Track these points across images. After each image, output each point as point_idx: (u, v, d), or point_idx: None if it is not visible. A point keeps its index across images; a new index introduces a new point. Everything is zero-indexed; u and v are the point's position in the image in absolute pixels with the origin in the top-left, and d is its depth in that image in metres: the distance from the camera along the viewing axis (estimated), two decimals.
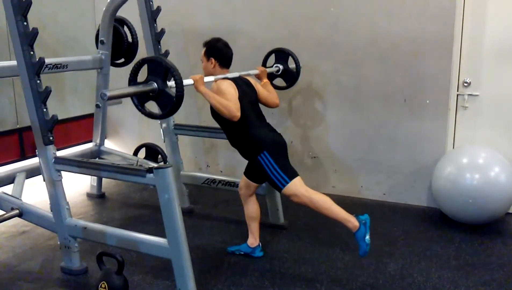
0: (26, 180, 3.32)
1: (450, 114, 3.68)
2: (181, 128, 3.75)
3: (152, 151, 4.07)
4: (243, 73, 2.90)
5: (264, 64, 3.46)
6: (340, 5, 3.84)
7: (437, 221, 3.54)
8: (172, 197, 2.40)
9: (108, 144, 4.77)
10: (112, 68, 3.85)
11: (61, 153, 3.12)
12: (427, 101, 3.68)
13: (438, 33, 3.55)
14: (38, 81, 2.67)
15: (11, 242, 3.28)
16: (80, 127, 4.54)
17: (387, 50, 3.74)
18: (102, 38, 3.70)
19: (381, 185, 3.95)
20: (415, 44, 3.64)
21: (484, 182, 3.20)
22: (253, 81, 2.93)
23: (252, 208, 2.97)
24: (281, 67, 3.41)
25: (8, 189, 3.17)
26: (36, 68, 2.65)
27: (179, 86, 2.23)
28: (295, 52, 3.44)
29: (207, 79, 2.67)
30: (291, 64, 3.42)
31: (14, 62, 2.73)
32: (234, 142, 2.83)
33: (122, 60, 3.88)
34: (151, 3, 3.59)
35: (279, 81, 3.47)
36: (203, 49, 2.84)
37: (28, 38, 2.62)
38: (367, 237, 2.57)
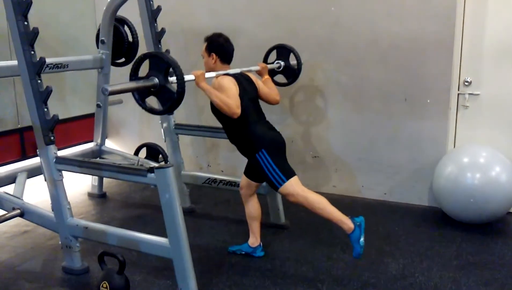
0: (27, 180, 3.32)
1: (451, 114, 3.68)
2: (182, 128, 3.75)
3: (153, 151, 4.07)
4: (244, 69, 2.90)
5: (265, 60, 3.44)
6: (340, 4, 3.83)
7: (438, 220, 3.54)
8: (173, 196, 2.40)
9: (109, 143, 4.77)
10: (112, 67, 3.85)
11: (62, 153, 3.12)
12: (428, 101, 3.68)
13: (438, 32, 3.55)
14: (39, 81, 2.67)
15: (13, 241, 3.28)
16: (81, 126, 4.54)
17: (388, 50, 3.73)
18: (102, 38, 3.70)
19: (382, 185, 3.95)
20: (415, 43, 3.63)
21: (485, 182, 3.20)
22: (253, 77, 2.92)
23: (253, 208, 2.97)
24: (282, 63, 3.40)
25: (10, 189, 3.17)
26: (36, 67, 2.65)
27: (180, 81, 2.23)
28: None
29: (208, 75, 2.67)
30: (293, 61, 3.41)
31: (14, 62, 2.73)
32: (233, 138, 2.83)
33: (123, 59, 3.88)
34: (151, 2, 3.59)
35: (280, 78, 3.46)
36: (204, 44, 2.83)
37: (28, 37, 2.62)
38: (362, 239, 2.58)
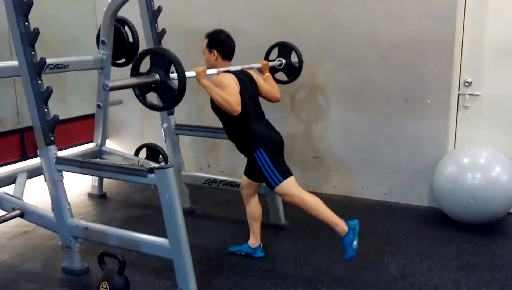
0: (28, 180, 3.32)
1: (451, 114, 3.68)
2: (182, 128, 3.75)
3: (153, 151, 4.07)
4: (245, 66, 2.88)
5: (266, 57, 3.43)
6: (340, 4, 3.83)
7: (438, 221, 3.53)
8: (173, 197, 2.40)
9: (109, 144, 4.77)
10: (113, 68, 3.86)
11: (62, 153, 3.12)
12: (428, 101, 3.68)
13: (439, 32, 3.55)
14: (40, 81, 2.67)
15: (13, 242, 3.28)
16: (81, 127, 4.54)
17: (388, 50, 3.73)
18: (103, 38, 3.70)
19: (382, 185, 3.95)
20: (416, 43, 3.63)
21: (485, 182, 3.19)
22: (254, 74, 2.91)
23: (254, 208, 2.97)
24: (283, 61, 3.39)
25: (10, 189, 3.17)
26: (37, 68, 2.65)
27: (181, 78, 2.22)
28: None
29: (209, 71, 2.65)
30: (294, 58, 3.40)
31: (15, 62, 2.73)
32: (231, 136, 2.83)
33: (123, 60, 3.88)
34: (152, 3, 3.59)
35: (281, 75, 3.46)
36: (205, 41, 2.82)
37: (29, 38, 2.62)
38: (355, 242, 2.59)
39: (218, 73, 2.72)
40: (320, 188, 4.16)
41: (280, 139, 2.81)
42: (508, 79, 3.54)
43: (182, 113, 4.38)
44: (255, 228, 2.99)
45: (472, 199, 3.20)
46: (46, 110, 2.69)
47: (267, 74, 3.06)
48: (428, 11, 3.57)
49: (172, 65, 2.23)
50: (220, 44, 2.78)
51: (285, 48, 3.40)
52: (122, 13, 3.66)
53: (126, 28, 3.80)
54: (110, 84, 2.13)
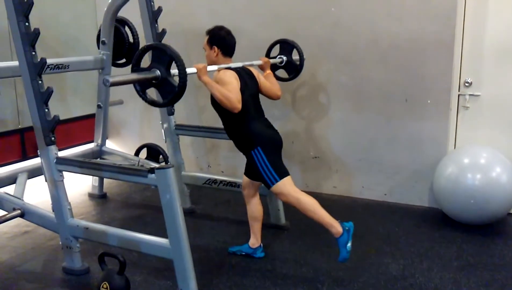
0: (28, 181, 3.32)
1: (451, 114, 3.68)
2: (182, 129, 3.75)
3: (154, 152, 4.07)
4: (246, 63, 2.88)
5: (267, 54, 3.43)
6: (340, 5, 3.84)
7: (439, 221, 3.53)
8: (174, 197, 2.40)
9: (110, 144, 4.77)
10: (113, 68, 3.85)
11: (62, 154, 3.13)
12: (428, 101, 3.68)
13: (439, 33, 3.55)
14: (40, 82, 2.67)
15: (13, 242, 3.28)
16: (81, 127, 4.54)
17: (388, 50, 3.74)
18: (103, 39, 3.70)
19: (382, 185, 3.95)
20: (416, 44, 3.63)
21: (485, 183, 3.19)
22: (255, 72, 2.90)
23: (255, 209, 2.97)
24: (284, 58, 3.39)
25: (10, 189, 3.17)
26: (38, 68, 2.65)
27: (182, 74, 2.22)
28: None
29: (210, 68, 2.65)
30: (295, 56, 3.40)
31: (16, 63, 2.73)
32: (230, 133, 2.83)
33: (124, 60, 3.88)
34: (152, 3, 3.59)
35: (282, 73, 3.45)
36: (206, 37, 2.81)
37: (30, 38, 2.62)
38: (349, 244, 2.60)
39: (219, 70, 2.71)
40: (320, 188, 4.16)
41: (278, 138, 2.81)
42: (508, 80, 3.54)
43: (182, 113, 4.38)
44: (255, 229, 2.99)
45: (472, 200, 3.20)
46: (46, 110, 2.69)
47: (268, 71, 3.06)
48: (428, 11, 3.57)
49: (173, 61, 2.23)
50: (221, 40, 2.78)
51: (286, 46, 3.40)
52: (122, 13, 3.66)
53: (127, 28, 3.80)
54: (111, 80, 2.12)
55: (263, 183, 2.76)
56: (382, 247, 3.12)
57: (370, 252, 3.04)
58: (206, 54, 2.83)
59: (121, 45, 3.78)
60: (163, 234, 2.50)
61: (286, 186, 2.69)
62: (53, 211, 2.82)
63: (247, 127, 2.73)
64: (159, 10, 3.60)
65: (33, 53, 2.65)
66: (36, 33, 2.62)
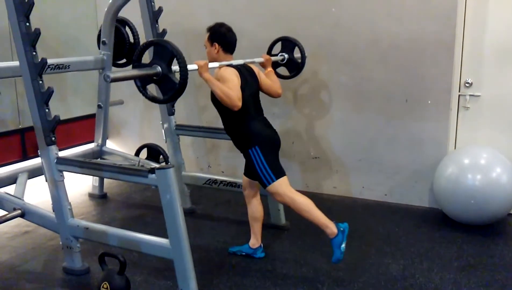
0: (28, 181, 3.32)
1: (451, 115, 3.68)
2: (182, 129, 3.76)
3: (154, 152, 4.07)
4: (247, 60, 2.87)
5: (269, 52, 3.42)
6: (341, 5, 3.84)
7: (439, 221, 3.53)
8: (174, 197, 2.41)
9: (110, 144, 4.78)
10: (114, 68, 3.86)
11: (63, 154, 3.13)
12: (429, 102, 3.68)
13: (439, 33, 3.55)
14: (41, 82, 2.67)
15: (14, 242, 3.29)
16: (82, 127, 4.55)
17: (388, 50, 3.74)
18: (104, 39, 3.70)
19: (382, 186, 3.95)
20: (416, 44, 3.63)
21: (486, 183, 3.19)
22: (256, 69, 2.90)
23: (256, 209, 2.97)
24: (286, 56, 3.38)
25: (11, 189, 3.18)
26: (38, 68, 2.65)
27: (183, 71, 2.21)
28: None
29: (211, 65, 2.65)
30: (297, 54, 3.39)
31: (16, 63, 2.73)
32: (229, 130, 2.83)
33: (124, 60, 3.88)
34: (152, 4, 3.59)
35: (282, 71, 3.45)
36: (207, 34, 2.81)
37: (30, 38, 2.62)
38: (343, 245, 2.61)
39: (220, 67, 2.71)
40: (320, 188, 4.16)
41: (276, 138, 2.81)
42: (508, 80, 3.54)
43: (182, 113, 4.38)
44: (256, 229, 2.99)
45: (472, 200, 3.20)
46: (47, 110, 2.69)
47: (269, 69, 3.05)
48: (428, 11, 3.57)
49: (175, 58, 2.22)
50: (222, 37, 2.78)
51: (288, 43, 3.39)
52: (123, 13, 3.67)
53: (127, 28, 3.80)
54: (112, 75, 2.11)
55: (259, 182, 2.76)
56: (382, 247, 3.12)
57: (370, 252, 3.04)
58: (207, 51, 2.82)
59: (121, 45, 3.78)
60: (164, 234, 2.50)
61: (282, 186, 2.70)
62: (53, 211, 2.83)
63: (246, 125, 2.73)
64: (160, 10, 3.61)
65: (34, 53, 2.65)
66: (37, 33, 2.63)
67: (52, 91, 2.68)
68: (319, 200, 3.99)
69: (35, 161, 3.50)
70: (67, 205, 2.79)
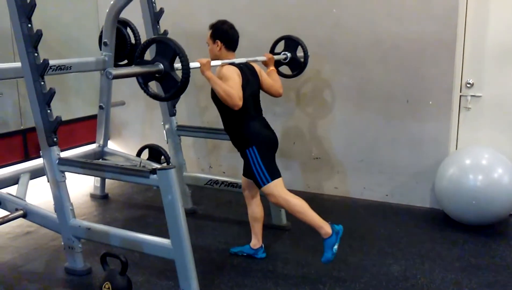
0: (30, 181, 3.33)
1: (453, 115, 3.67)
2: (184, 129, 3.76)
3: (155, 152, 4.08)
4: (250, 59, 2.86)
5: (272, 51, 3.41)
6: (341, 6, 3.84)
7: (440, 222, 3.53)
8: (175, 198, 2.41)
9: (111, 145, 4.78)
10: None
11: (64, 154, 3.14)
12: (430, 102, 3.68)
13: (440, 33, 3.55)
14: (42, 83, 2.68)
15: (16, 242, 3.29)
16: (83, 128, 4.56)
17: (389, 51, 3.74)
18: (105, 40, 3.71)
19: (383, 186, 3.95)
20: (417, 44, 3.63)
21: (487, 183, 3.19)
22: (258, 68, 2.89)
23: (256, 209, 2.97)
24: (289, 55, 3.37)
25: (13, 190, 3.19)
26: (40, 69, 2.66)
27: (186, 69, 2.22)
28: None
29: (213, 63, 2.64)
30: (299, 53, 3.39)
31: (18, 64, 2.74)
32: (228, 128, 2.83)
33: (125, 61, 3.89)
34: (154, 5, 3.60)
35: (285, 70, 3.44)
36: (209, 32, 2.80)
37: (32, 40, 2.63)
38: (336, 247, 2.61)
39: (222, 65, 2.71)
40: (321, 189, 4.16)
41: (274, 139, 2.82)
42: (510, 80, 3.54)
43: (183, 114, 4.39)
44: (256, 229, 2.99)
45: (474, 201, 3.20)
46: (49, 111, 2.70)
47: (272, 67, 3.04)
48: (428, 12, 3.57)
49: (177, 56, 2.22)
50: (224, 34, 2.77)
51: (291, 42, 3.38)
52: (124, 14, 3.68)
53: (128, 29, 3.81)
54: (114, 72, 2.10)
55: (255, 182, 2.77)
56: (384, 247, 3.12)
57: (371, 252, 3.03)
58: (210, 48, 2.81)
59: (123, 46, 3.79)
60: (165, 235, 2.50)
61: (277, 187, 2.70)
62: (55, 211, 2.83)
63: (245, 125, 2.73)
64: (161, 11, 3.62)
65: (36, 54, 2.66)
66: (39, 34, 2.64)
67: (54, 92, 2.69)
68: (320, 200, 4.02)
69: (37, 162, 3.51)
70: (69, 205, 2.79)
